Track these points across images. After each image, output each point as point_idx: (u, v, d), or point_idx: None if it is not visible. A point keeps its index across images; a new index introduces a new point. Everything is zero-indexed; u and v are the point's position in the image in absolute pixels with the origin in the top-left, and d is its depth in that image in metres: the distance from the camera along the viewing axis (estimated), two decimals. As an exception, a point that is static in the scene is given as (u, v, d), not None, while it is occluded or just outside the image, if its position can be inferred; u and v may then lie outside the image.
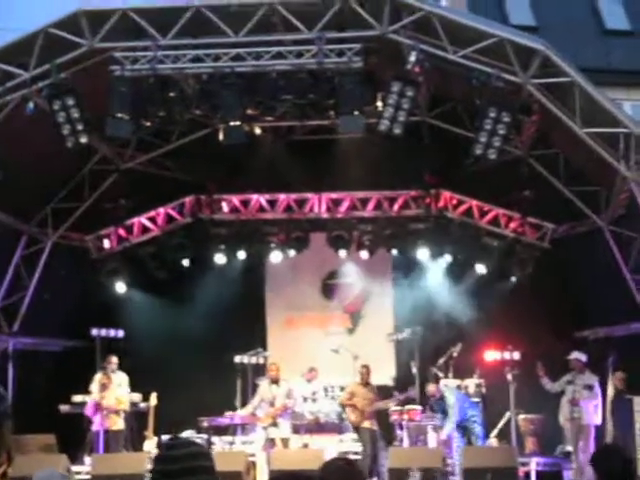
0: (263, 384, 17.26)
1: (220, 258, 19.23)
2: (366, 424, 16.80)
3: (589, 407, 16.06)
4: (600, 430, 16.32)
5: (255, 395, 17.28)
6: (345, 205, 19.39)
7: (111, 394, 16.86)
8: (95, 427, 16.83)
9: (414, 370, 17.69)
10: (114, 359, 17.03)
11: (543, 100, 15.11)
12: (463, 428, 16.80)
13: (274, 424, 16.80)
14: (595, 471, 6.27)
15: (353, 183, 18.97)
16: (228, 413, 17.27)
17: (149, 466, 16.25)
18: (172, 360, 18.59)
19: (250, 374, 17.87)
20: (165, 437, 16.28)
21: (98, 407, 16.66)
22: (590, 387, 16.15)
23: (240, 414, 17.12)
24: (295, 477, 4.00)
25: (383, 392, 17.78)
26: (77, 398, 17.57)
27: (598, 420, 16.19)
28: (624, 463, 6.21)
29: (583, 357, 16.35)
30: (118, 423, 16.91)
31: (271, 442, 16.70)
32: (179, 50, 15.17)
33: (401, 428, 17.31)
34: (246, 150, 17.20)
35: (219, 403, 17.69)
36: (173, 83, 15.35)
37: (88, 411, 16.95)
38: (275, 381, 17.02)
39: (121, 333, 18.05)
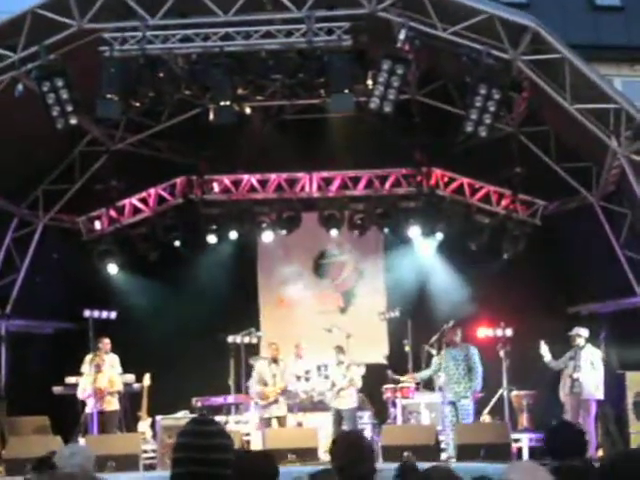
0: (262, 363, 17.34)
1: (212, 238, 19.22)
2: (333, 404, 16.86)
3: (589, 382, 16.11)
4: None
5: (253, 374, 17.37)
6: (336, 184, 19.38)
7: (104, 376, 16.87)
8: (89, 409, 16.85)
9: (407, 348, 17.72)
10: (106, 341, 17.03)
11: (533, 77, 15.09)
12: (454, 405, 16.76)
13: (276, 402, 16.91)
14: (547, 446, 6.15)
15: (344, 162, 18.96)
16: (238, 395, 17.37)
17: (143, 446, 16.31)
18: (165, 340, 18.60)
19: (243, 354, 17.88)
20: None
21: (94, 390, 16.66)
22: (592, 362, 16.20)
23: (254, 393, 17.19)
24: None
25: (376, 371, 17.84)
26: (70, 379, 17.58)
27: (599, 395, 16.24)
28: (575, 436, 6.09)
29: (585, 332, 16.39)
30: (113, 404, 16.93)
31: (267, 421, 16.80)
32: (168, 30, 15.12)
33: (394, 406, 17.38)
34: (236, 130, 17.18)
35: (212, 383, 17.71)
36: (162, 63, 15.29)
37: (81, 394, 16.95)
38: (275, 360, 17.15)
39: (113, 314, 18.04)
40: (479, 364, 16.57)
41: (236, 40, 15.05)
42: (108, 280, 19.09)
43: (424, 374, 17.24)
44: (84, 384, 16.91)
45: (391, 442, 15.60)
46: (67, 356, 17.90)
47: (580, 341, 16.30)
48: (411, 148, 18.64)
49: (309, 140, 18.39)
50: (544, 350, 16.42)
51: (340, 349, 17.02)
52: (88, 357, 16.98)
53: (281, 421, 17.02)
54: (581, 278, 18.42)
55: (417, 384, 17.69)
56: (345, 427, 16.59)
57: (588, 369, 16.15)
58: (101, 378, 16.79)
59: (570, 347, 16.41)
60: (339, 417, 16.70)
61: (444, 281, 19.26)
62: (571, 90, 15.09)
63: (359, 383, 16.90)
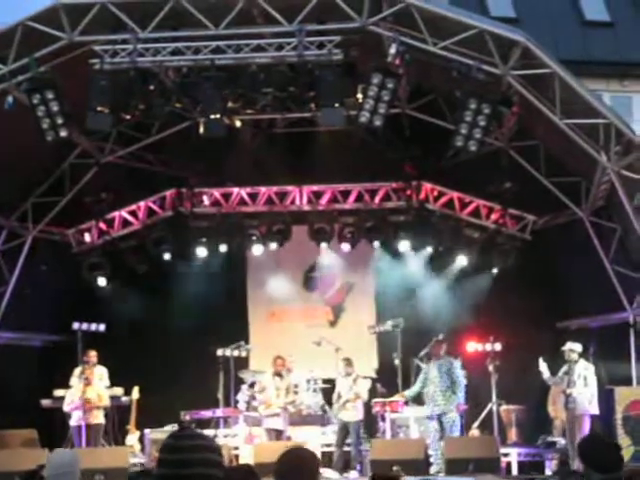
0: (266, 376, 17.31)
1: (201, 251, 19.20)
2: (339, 415, 16.89)
3: (582, 397, 16.07)
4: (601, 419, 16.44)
5: (243, 388, 17.41)
6: (326, 197, 19.38)
7: (93, 389, 16.82)
8: (74, 422, 16.79)
9: (396, 362, 17.70)
10: (93, 353, 17.00)
11: (523, 91, 15.13)
12: (439, 419, 16.70)
13: (277, 415, 16.90)
14: (582, 460, 6.19)
15: (334, 175, 18.96)
16: (227, 408, 17.36)
17: (131, 460, 16.26)
18: (154, 354, 18.57)
19: (232, 367, 17.85)
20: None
21: (82, 403, 16.60)
22: (584, 377, 16.17)
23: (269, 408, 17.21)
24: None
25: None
26: (59, 392, 17.52)
27: (593, 410, 16.21)
28: (611, 450, 6.10)
29: (577, 347, 16.37)
30: (98, 417, 16.87)
31: (269, 432, 16.86)
32: (159, 43, 15.12)
33: (383, 420, 17.35)
34: (227, 143, 17.17)
35: (201, 396, 17.68)
36: (153, 76, 15.30)
37: (67, 406, 16.90)
38: (279, 374, 17.21)
39: (102, 327, 17.99)
40: (462, 377, 16.59)
41: (227, 53, 15.07)
42: (97, 293, 19.04)
43: (413, 391, 17.18)
44: (71, 396, 16.85)
45: (380, 456, 15.59)
46: (55, 369, 17.84)
47: (573, 356, 16.27)
48: (401, 162, 18.68)
49: (299, 153, 18.40)
50: (542, 367, 16.38)
51: (348, 361, 17.06)
52: (77, 370, 16.93)
53: (278, 435, 17.01)
54: (570, 293, 18.44)
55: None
56: (349, 440, 16.65)
57: (581, 384, 16.12)
58: (90, 391, 16.74)
59: (563, 362, 16.39)
60: (344, 429, 16.73)
61: (434, 295, 19.27)
62: (561, 105, 15.14)
63: (365, 396, 16.94)
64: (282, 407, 17.03)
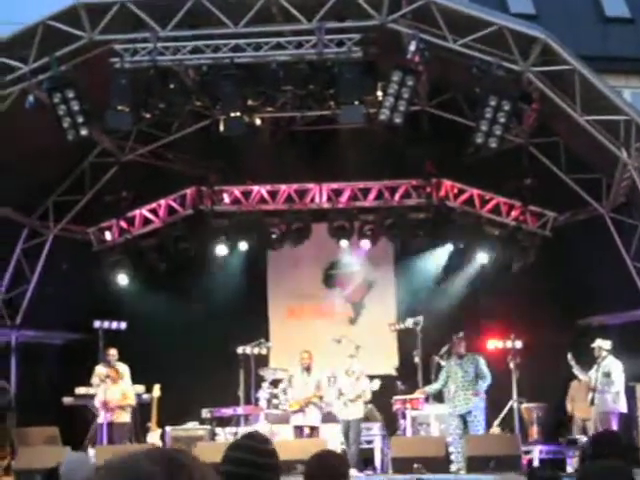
0: (296, 372, 17.28)
1: (222, 249, 19.24)
2: (341, 415, 16.79)
3: (606, 394, 16.03)
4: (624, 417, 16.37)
5: (263, 385, 17.45)
6: (346, 195, 19.38)
7: (117, 387, 16.86)
8: (100, 419, 16.84)
9: (416, 359, 17.67)
10: (112, 351, 17.06)
11: (543, 88, 15.09)
12: (463, 418, 16.66)
13: (301, 411, 16.83)
14: (594, 449, 6.09)
15: (354, 173, 18.96)
16: (248, 406, 17.29)
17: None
18: (175, 351, 18.63)
19: (253, 365, 17.87)
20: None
21: (107, 402, 16.65)
22: (607, 374, 16.12)
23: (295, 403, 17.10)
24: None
25: (386, 382, 17.78)
26: (80, 390, 17.60)
27: (620, 407, 16.16)
28: (624, 450, 6.02)
29: (606, 344, 16.34)
30: (123, 416, 16.92)
31: (299, 429, 16.75)
32: (179, 41, 15.17)
33: (404, 417, 17.33)
34: (247, 141, 17.20)
35: (222, 394, 17.71)
36: (173, 74, 15.35)
37: (97, 403, 16.94)
38: (307, 369, 17.12)
39: (124, 325, 18.06)
40: (488, 371, 16.55)
41: (246, 51, 15.09)
42: (118, 291, 19.11)
43: (434, 388, 17.15)
44: (100, 395, 16.89)
45: (401, 454, 15.58)
46: (77, 367, 17.92)
47: (602, 353, 16.25)
48: (421, 159, 18.65)
49: (319, 151, 18.42)
50: (572, 361, 16.41)
51: (353, 358, 16.98)
52: (98, 368, 16.99)
53: (313, 431, 16.92)
54: (591, 290, 18.37)
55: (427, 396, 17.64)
56: (350, 437, 16.59)
57: (604, 381, 16.07)
58: (114, 390, 16.79)
59: (587, 359, 16.40)
60: (348, 428, 16.66)
61: (454, 292, 19.25)
62: (581, 101, 15.09)
63: (368, 396, 16.78)
64: (312, 402, 16.91)
